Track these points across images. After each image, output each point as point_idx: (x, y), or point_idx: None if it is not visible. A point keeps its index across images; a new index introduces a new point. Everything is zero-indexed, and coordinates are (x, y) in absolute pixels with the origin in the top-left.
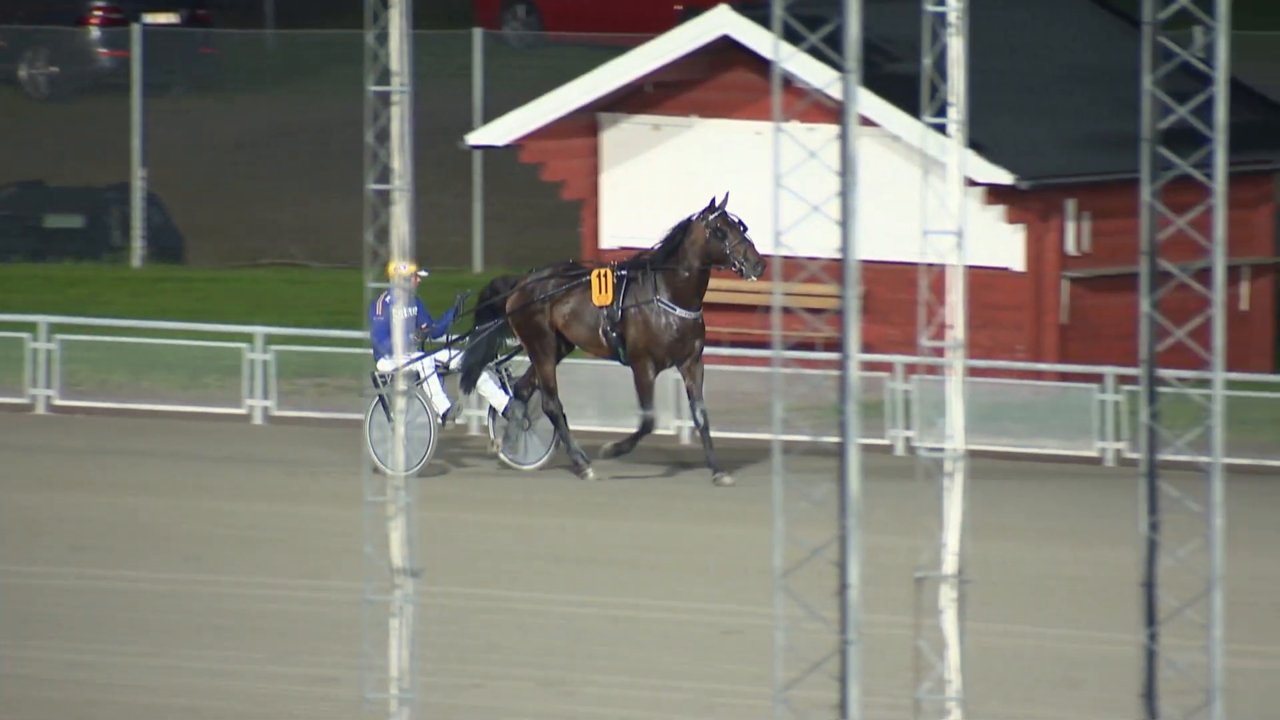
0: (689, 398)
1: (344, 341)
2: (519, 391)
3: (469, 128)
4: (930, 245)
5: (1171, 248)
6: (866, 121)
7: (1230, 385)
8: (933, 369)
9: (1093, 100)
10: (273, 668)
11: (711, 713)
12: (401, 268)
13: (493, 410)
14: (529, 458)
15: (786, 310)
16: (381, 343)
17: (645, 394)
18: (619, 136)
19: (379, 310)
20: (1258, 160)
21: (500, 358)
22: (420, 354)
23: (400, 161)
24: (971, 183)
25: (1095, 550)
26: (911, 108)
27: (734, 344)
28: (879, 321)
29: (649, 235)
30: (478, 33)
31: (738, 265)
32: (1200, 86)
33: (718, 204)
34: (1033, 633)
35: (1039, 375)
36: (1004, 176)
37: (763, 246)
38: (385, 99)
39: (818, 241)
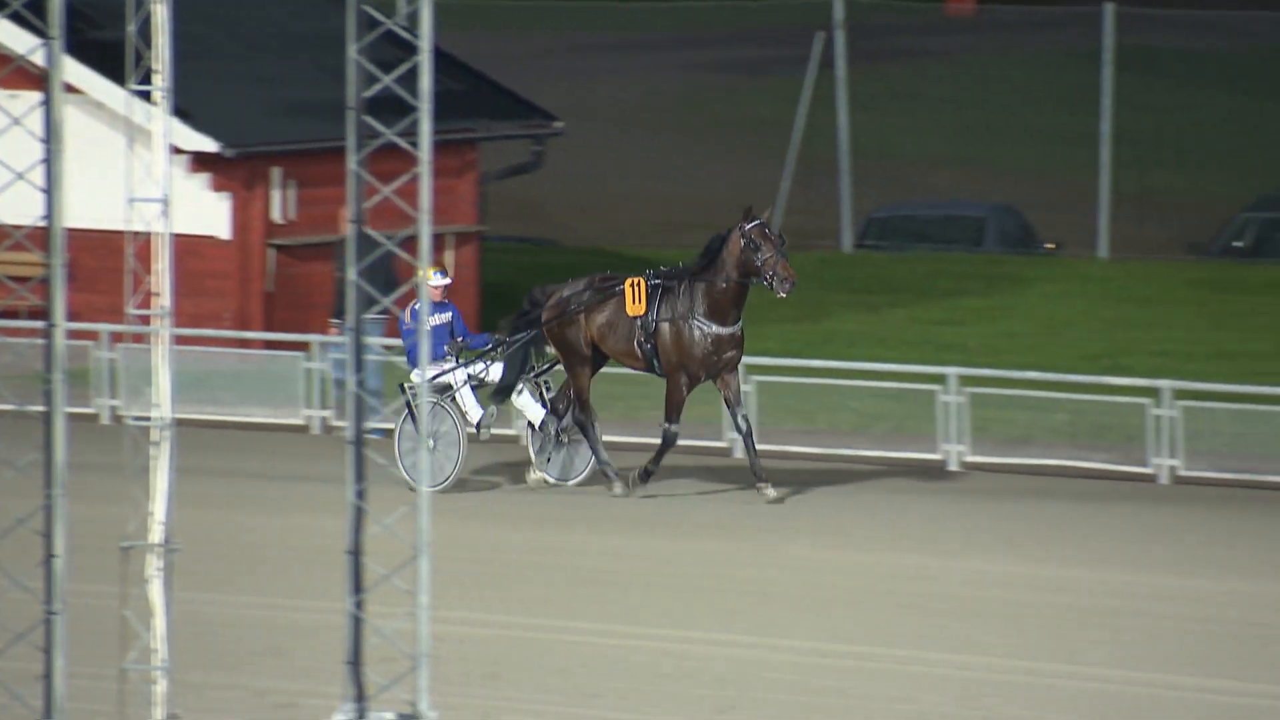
0: (728, 406)
1: None
2: (554, 407)
3: None
4: (136, 213)
5: (378, 216)
6: (71, 89)
7: None
8: (140, 337)
9: (301, 68)
10: None
11: None
12: (438, 275)
13: (531, 425)
14: (569, 474)
15: None
16: (412, 350)
17: (674, 409)
18: None
19: (408, 319)
20: (463, 129)
21: (538, 369)
22: (453, 365)
23: None
24: (177, 150)
25: (305, 519)
26: (117, 75)
27: None
28: (85, 289)
29: None
30: None
31: (768, 279)
32: (406, 55)
33: (756, 216)
34: (239, 601)
35: (245, 344)
36: (209, 144)
37: None
38: None
39: (23, 209)
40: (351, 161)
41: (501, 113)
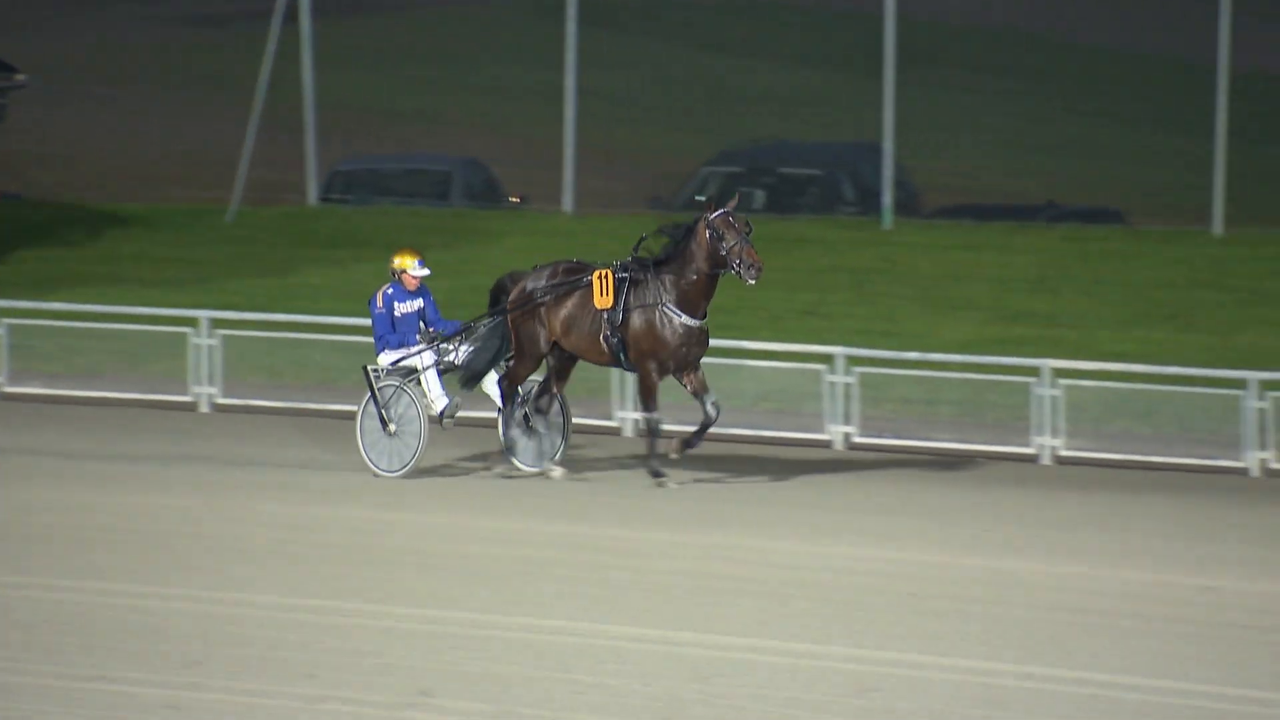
0: (696, 397)
1: None
2: (537, 400)
3: None
4: None
5: None
6: None
7: None
8: None
9: None
10: None
11: None
12: (418, 265)
13: (500, 410)
14: (539, 460)
15: None
16: (382, 336)
17: (649, 396)
18: None
19: (380, 303)
20: None
21: (508, 355)
22: (420, 347)
23: None
24: None
25: None
26: None
27: None
28: None
29: None
30: None
31: (735, 267)
32: None
33: (721, 205)
34: None
35: None
36: None
37: None
38: None
39: None
40: None
41: None
